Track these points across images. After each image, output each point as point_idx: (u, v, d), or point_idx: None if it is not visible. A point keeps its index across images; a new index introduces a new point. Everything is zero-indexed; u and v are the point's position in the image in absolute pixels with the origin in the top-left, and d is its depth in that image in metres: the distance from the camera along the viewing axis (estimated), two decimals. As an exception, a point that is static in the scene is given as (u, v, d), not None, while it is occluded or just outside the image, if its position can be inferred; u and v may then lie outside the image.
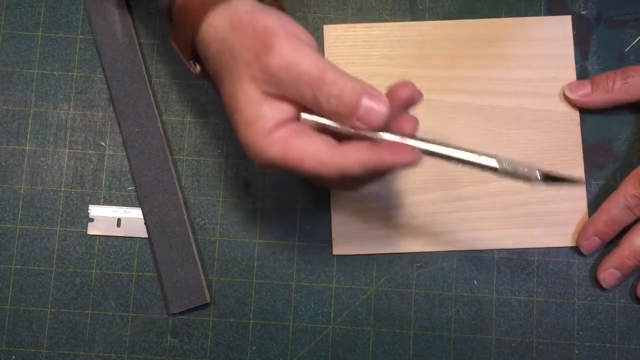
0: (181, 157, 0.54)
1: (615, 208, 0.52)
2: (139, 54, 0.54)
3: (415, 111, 0.55)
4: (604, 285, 0.53)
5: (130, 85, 0.54)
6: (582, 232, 0.53)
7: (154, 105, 0.54)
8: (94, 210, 0.54)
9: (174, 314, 0.52)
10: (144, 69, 0.54)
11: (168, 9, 0.44)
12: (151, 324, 0.53)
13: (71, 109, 0.55)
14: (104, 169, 0.54)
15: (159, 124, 0.54)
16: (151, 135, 0.53)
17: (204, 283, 0.52)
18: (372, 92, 0.39)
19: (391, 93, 0.41)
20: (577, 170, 0.54)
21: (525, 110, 0.55)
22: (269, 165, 0.40)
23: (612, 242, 0.53)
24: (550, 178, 0.41)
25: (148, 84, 0.54)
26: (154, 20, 0.56)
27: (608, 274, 0.52)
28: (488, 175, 0.55)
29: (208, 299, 0.52)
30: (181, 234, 0.52)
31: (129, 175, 0.54)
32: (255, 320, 0.53)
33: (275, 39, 0.39)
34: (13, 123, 0.54)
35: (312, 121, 0.41)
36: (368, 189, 0.54)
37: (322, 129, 0.41)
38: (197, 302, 0.52)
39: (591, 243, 0.53)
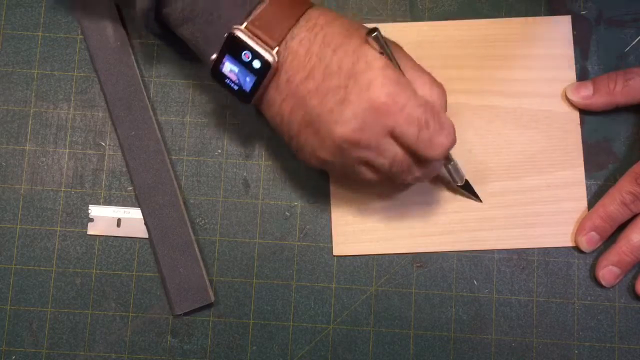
0: (181, 157, 0.54)
1: (612, 204, 0.52)
2: (132, 56, 0.54)
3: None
4: (603, 283, 0.53)
5: (125, 89, 0.54)
6: (579, 227, 0.53)
7: (149, 107, 0.54)
8: (94, 210, 0.54)
9: (179, 315, 0.52)
10: (137, 71, 0.54)
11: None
12: (151, 324, 0.53)
13: (71, 109, 0.55)
14: (104, 169, 0.54)
15: (155, 125, 0.54)
16: (148, 138, 0.53)
17: (207, 283, 0.52)
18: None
19: None
20: (577, 170, 0.54)
21: (525, 110, 0.55)
22: (422, 104, 0.44)
23: (610, 240, 0.53)
24: (464, 187, 0.53)
25: (142, 86, 0.54)
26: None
27: (607, 271, 0.52)
28: (488, 175, 0.55)
29: (212, 299, 0.52)
30: (182, 235, 0.52)
31: (128, 175, 0.54)
32: (255, 320, 0.53)
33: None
34: (13, 123, 0.54)
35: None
36: (368, 188, 0.54)
37: None
38: (201, 302, 0.52)
39: (589, 238, 0.53)
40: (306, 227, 0.54)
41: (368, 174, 0.46)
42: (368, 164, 0.45)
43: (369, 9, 0.56)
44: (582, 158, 0.55)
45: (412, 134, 0.43)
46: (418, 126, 0.43)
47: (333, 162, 0.46)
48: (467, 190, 0.53)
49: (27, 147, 0.54)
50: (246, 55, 0.45)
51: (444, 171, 0.52)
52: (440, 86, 0.46)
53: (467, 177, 0.53)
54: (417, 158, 0.45)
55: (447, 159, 0.50)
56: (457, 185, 0.53)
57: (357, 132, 0.43)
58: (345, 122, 0.43)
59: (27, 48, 0.55)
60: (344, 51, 0.43)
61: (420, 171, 0.46)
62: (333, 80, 0.43)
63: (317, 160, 0.46)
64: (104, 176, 0.54)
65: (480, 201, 0.54)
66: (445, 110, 0.46)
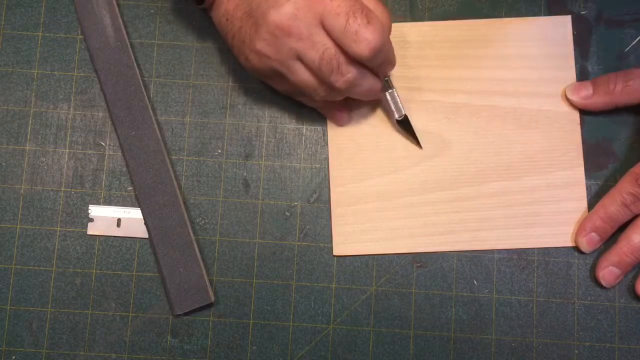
0: (181, 157, 0.54)
1: (612, 205, 0.52)
2: (132, 56, 0.54)
3: (415, 111, 0.55)
4: (603, 284, 0.53)
5: (125, 89, 0.54)
6: (579, 228, 0.53)
7: (149, 107, 0.54)
8: (94, 210, 0.54)
9: (179, 315, 0.52)
10: (137, 71, 0.54)
11: None
12: (151, 324, 0.53)
13: (71, 109, 0.55)
14: (104, 169, 0.54)
15: (155, 125, 0.54)
16: (148, 138, 0.53)
17: (207, 283, 0.52)
18: None
19: None
20: (577, 170, 0.54)
21: (525, 110, 0.55)
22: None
23: (610, 241, 0.53)
24: (403, 124, 0.53)
25: (142, 86, 0.54)
26: (154, 20, 0.56)
27: (607, 271, 0.52)
28: (488, 175, 0.55)
29: (212, 299, 0.52)
30: (182, 235, 0.52)
31: (128, 175, 0.54)
32: (255, 320, 0.53)
33: None
34: (13, 123, 0.54)
35: None
36: (368, 188, 0.54)
37: None
38: (201, 302, 0.52)
39: (589, 239, 0.53)
40: (306, 227, 0.54)
41: (302, 72, 0.47)
42: (301, 58, 0.47)
43: (369, 9, 0.56)
44: (582, 158, 0.55)
45: (340, 24, 0.45)
46: (346, 17, 0.44)
47: (270, 56, 0.47)
48: (407, 130, 0.53)
49: (27, 147, 0.54)
50: None
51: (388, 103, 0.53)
52: (387, 10, 0.48)
53: (467, 177, 0.53)
54: (347, 56, 0.46)
55: (387, 84, 0.51)
56: (397, 121, 0.53)
57: (290, 19, 0.45)
58: (281, 7, 0.45)
59: (27, 48, 0.55)
60: None
61: (351, 73, 0.47)
62: None
63: (255, 54, 0.48)
64: (104, 176, 0.54)
65: (420, 147, 0.54)
66: (389, 29, 0.48)
